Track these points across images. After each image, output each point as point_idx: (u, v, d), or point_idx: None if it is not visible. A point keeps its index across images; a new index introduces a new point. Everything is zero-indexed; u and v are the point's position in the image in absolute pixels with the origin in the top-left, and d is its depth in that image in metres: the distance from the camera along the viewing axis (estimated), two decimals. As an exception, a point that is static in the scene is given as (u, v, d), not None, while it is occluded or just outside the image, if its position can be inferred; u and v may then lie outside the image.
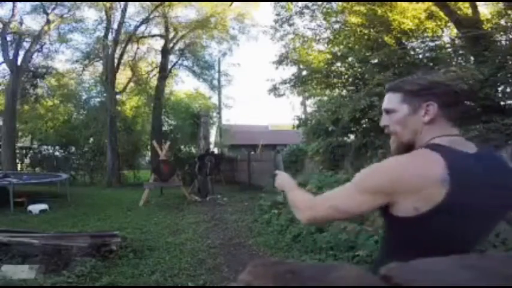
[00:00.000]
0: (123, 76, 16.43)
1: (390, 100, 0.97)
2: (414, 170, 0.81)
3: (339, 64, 9.13)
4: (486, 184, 0.82)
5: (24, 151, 15.95)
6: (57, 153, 16.14)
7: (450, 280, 0.33)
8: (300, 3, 9.40)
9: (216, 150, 14.88)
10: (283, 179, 1.16)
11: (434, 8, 7.68)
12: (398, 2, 7.97)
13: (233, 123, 19.77)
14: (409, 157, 0.85)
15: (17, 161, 14.50)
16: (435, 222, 0.80)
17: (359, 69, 8.40)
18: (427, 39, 7.78)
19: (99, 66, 15.76)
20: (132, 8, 14.73)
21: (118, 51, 14.20)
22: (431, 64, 6.66)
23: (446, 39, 8.02)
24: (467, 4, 7.30)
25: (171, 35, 15.29)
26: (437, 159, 0.80)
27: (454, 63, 6.84)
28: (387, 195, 0.83)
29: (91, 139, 15.97)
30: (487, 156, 0.88)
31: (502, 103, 6.13)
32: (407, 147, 0.92)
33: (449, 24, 7.82)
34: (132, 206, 8.11)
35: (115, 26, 14.21)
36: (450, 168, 0.78)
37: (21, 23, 14.17)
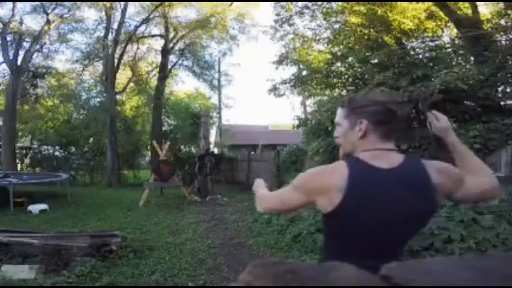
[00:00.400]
0: (123, 76, 16.42)
1: (338, 115, 1.13)
2: (322, 178, 1.00)
3: (339, 64, 9.12)
4: (393, 193, 0.95)
5: (24, 151, 15.94)
6: (57, 153, 16.13)
7: (450, 280, 0.33)
8: (300, 3, 9.40)
9: (216, 150, 14.87)
10: (258, 183, 1.42)
11: (434, 8, 7.68)
12: (398, 2, 7.97)
13: (233, 123, 19.76)
14: (326, 167, 1.03)
15: (17, 161, 14.50)
16: (337, 220, 0.98)
17: (359, 69, 8.39)
18: (427, 39, 7.77)
19: (99, 66, 15.77)
20: (132, 8, 14.75)
21: (118, 51, 14.20)
22: (431, 64, 6.65)
23: (446, 39, 8.02)
24: (467, 4, 7.31)
25: (171, 35, 15.28)
26: (343, 171, 0.96)
27: (454, 63, 6.84)
28: (307, 194, 1.03)
29: (91, 139, 15.96)
30: (405, 170, 0.98)
31: (502, 103, 6.13)
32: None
33: (449, 24, 7.82)
34: (132, 206, 8.11)
35: (115, 26, 14.23)
36: (351, 178, 0.94)
37: (21, 23, 14.17)
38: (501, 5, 7.13)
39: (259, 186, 1.37)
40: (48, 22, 13.92)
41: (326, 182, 0.97)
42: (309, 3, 9.21)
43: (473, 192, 1.03)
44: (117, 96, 15.23)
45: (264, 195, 1.25)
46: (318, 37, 9.85)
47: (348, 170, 0.96)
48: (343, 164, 0.98)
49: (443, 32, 8.18)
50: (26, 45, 14.07)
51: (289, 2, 9.62)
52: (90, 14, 28.08)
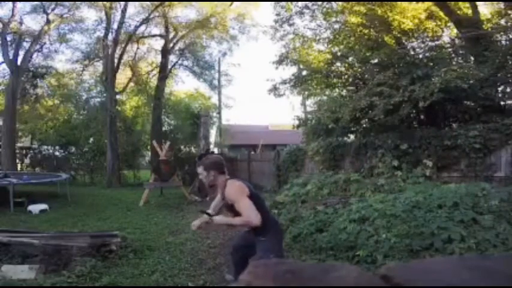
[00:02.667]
0: (123, 76, 16.40)
1: (198, 169, 2.58)
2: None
3: (339, 64, 9.12)
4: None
5: (24, 151, 15.94)
6: (57, 153, 16.12)
7: (450, 280, 0.33)
8: (300, 3, 9.40)
9: (216, 150, 14.86)
10: (218, 219, 2.52)
11: (434, 8, 7.68)
12: (398, 2, 7.96)
13: (233, 123, 19.77)
14: (241, 182, 2.47)
15: (17, 161, 14.49)
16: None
17: (359, 69, 8.39)
18: (427, 39, 7.77)
19: (99, 66, 15.76)
20: (132, 8, 14.73)
21: (118, 51, 14.17)
22: (431, 64, 6.65)
23: (446, 39, 8.02)
24: (467, 4, 7.30)
25: (171, 35, 15.26)
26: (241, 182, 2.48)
27: (454, 63, 6.84)
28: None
29: (91, 139, 15.96)
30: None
31: (502, 103, 6.13)
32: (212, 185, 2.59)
33: (449, 24, 7.82)
34: (132, 206, 8.11)
35: (115, 26, 14.20)
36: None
37: (21, 23, 14.15)
38: (501, 5, 7.14)
39: (226, 219, 2.43)
40: (48, 22, 13.91)
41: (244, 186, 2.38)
42: (309, 3, 9.20)
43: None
44: (117, 96, 15.20)
45: (243, 218, 2.25)
46: (318, 37, 9.84)
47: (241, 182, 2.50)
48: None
49: (443, 32, 8.18)
50: (26, 45, 14.07)
51: (289, 2, 9.61)
52: (90, 14, 28.12)
